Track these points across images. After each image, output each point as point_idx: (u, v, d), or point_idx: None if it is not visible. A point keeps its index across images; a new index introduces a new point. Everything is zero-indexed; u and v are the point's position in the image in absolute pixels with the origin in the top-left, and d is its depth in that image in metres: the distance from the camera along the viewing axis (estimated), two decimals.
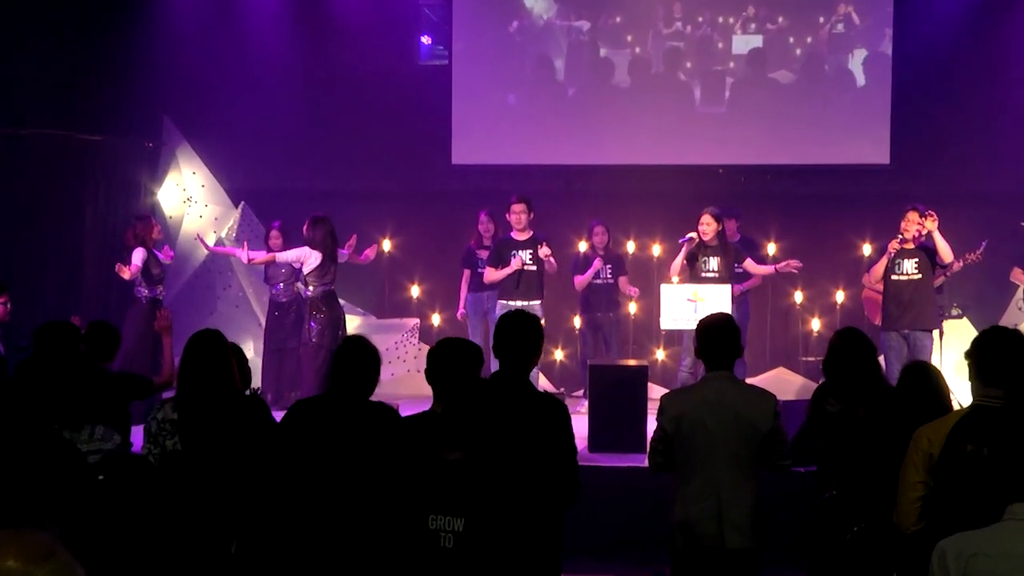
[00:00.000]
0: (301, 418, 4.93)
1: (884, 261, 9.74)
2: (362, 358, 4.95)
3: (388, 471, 4.15)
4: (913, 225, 9.61)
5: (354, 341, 5.06)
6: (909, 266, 9.71)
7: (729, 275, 10.06)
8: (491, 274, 10.41)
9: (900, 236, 9.67)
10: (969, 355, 4.37)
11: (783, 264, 10.39)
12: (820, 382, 6.00)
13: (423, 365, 4.69)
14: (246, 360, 5.92)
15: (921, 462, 4.30)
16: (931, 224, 9.49)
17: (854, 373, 5.50)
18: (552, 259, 10.33)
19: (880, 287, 10.01)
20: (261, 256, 10.90)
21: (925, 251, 9.70)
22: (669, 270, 10.32)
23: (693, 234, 10.04)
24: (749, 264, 10.40)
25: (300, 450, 4.82)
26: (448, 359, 4.54)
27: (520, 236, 10.40)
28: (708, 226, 10.02)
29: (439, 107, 12.82)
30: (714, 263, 10.05)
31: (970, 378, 4.37)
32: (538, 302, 10.41)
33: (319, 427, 4.84)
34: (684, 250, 10.05)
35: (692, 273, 10.11)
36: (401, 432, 4.64)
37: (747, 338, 10.87)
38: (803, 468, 6.91)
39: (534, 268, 10.38)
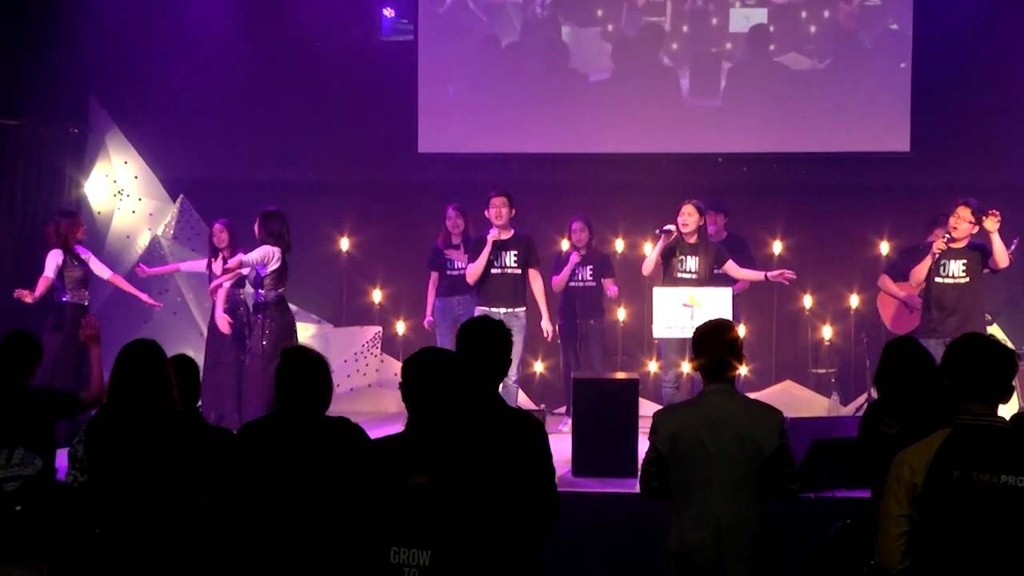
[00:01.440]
0: (253, 444, 4.90)
1: (928, 261, 9.69)
2: (310, 370, 4.93)
3: (350, 498, 4.14)
4: (964, 223, 9.51)
5: (296, 352, 5.04)
6: (956, 268, 9.64)
7: (708, 278, 10.03)
8: (472, 271, 10.37)
9: (948, 235, 9.62)
10: (946, 369, 4.34)
11: (776, 273, 10.23)
12: (870, 400, 5.99)
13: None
14: (197, 373, 5.87)
15: (904, 493, 4.25)
16: (992, 224, 9.29)
17: (913, 389, 5.50)
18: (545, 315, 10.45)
19: (905, 291, 10.00)
20: (227, 276, 10.66)
21: (976, 252, 9.61)
22: (642, 267, 10.29)
23: (671, 226, 10.01)
24: (731, 268, 10.26)
25: (253, 480, 4.80)
26: (426, 372, 4.53)
27: (501, 234, 10.38)
28: (689, 218, 9.99)
29: (403, 88, 12.81)
30: (692, 263, 10.02)
31: (949, 395, 4.35)
32: (523, 309, 10.42)
33: (273, 452, 4.82)
34: (660, 244, 10.03)
35: (667, 272, 10.10)
36: (368, 452, 4.62)
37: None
38: (813, 494, 6.95)
39: (518, 271, 10.39)
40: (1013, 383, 4.33)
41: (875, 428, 5.58)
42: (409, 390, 4.10)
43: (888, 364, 5.65)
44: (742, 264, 10.51)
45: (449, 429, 3.81)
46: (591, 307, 11.37)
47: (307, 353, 5.01)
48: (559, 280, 11.24)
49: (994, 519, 4.11)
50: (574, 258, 11.16)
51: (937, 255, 9.64)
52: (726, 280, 10.39)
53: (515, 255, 10.39)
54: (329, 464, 4.73)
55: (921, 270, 9.76)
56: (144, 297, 11.13)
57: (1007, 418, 4.35)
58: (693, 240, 10.03)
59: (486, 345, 4.81)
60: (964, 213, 9.52)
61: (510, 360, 4.89)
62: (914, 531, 4.24)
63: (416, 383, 4.09)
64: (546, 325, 10.56)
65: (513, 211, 10.42)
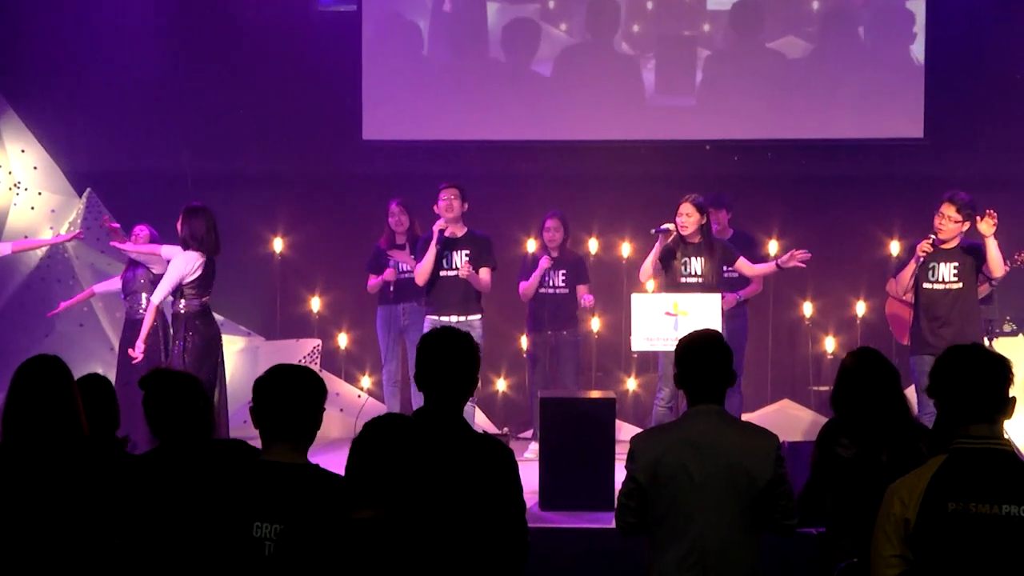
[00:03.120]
0: (142, 480, 4.91)
1: (911, 266, 9.69)
2: (176, 395, 4.97)
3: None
4: (950, 223, 9.51)
5: (159, 378, 5.07)
6: (946, 272, 9.66)
7: (715, 280, 10.04)
8: (420, 270, 10.35)
9: (932, 235, 9.64)
10: (936, 388, 4.35)
11: (786, 256, 10.22)
12: (829, 419, 6.03)
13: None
14: (113, 395, 5.83)
15: (894, 531, 4.26)
16: (987, 228, 9.31)
17: (873, 406, 5.53)
18: (475, 274, 10.35)
19: (909, 298, 10.05)
20: (136, 246, 10.69)
21: (968, 253, 9.62)
22: (639, 273, 10.31)
23: (670, 225, 10.00)
24: (743, 265, 10.32)
25: (148, 520, 4.80)
26: (279, 392, 4.56)
27: (453, 231, 10.37)
28: (688, 218, 9.98)
29: (345, 66, 12.79)
30: (696, 265, 10.04)
31: (941, 417, 4.36)
32: (478, 317, 10.43)
33: (161, 490, 4.82)
34: (658, 246, 10.04)
35: (668, 277, 10.10)
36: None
37: (743, 362, 10.93)
38: (813, 529, 6.97)
39: (469, 266, 10.39)
40: (1012, 394, 4.33)
41: (830, 451, 5.62)
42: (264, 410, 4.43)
43: (845, 378, 5.69)
44: (751, 262, 10.53)
45: (399, 456, 3.80)
46: (564, 317, 11.35)
47: (171, 376, 5.06)
48: (528, 287, 11.22)
49: (996, 555, 4.11)
50: (544, 262, 11.13)
51: (921, 258, 9.61)
52: (739, 282, 10.45)
53: (467, 255, 10.39)
54: (222, 493, 4.72)
55: (905, 275, 9.76)
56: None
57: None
58: (696, 240, 10.03)
59: (449, 360, 4.80)
60: (948, 211, 9.49)
61: (477, 379, 4.89)
62: (910, 573, 4.25)
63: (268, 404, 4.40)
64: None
65: (466, 205, 10.42)
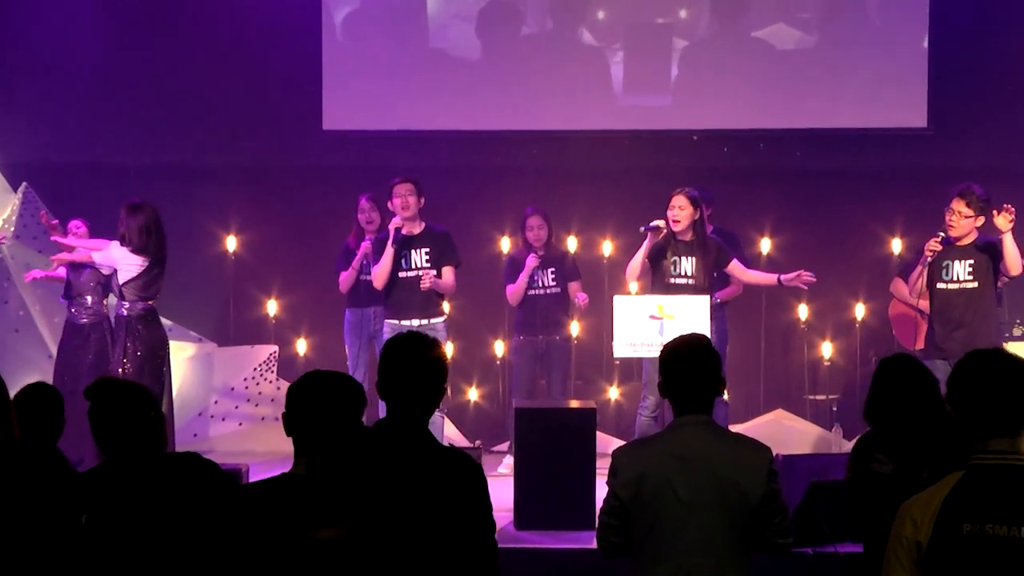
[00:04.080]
0: (89, 499, 4.88)
1: (920, 269, 9.72)
2: (124, 406, 4.95)
3: (222, 557, 4.13)
4: (960, 219, 9.52)
5: (107, 385, 5.05)
6: (960, 270, 9.67)
7: (708, 282, 10.05)
8: (377, 272, 10.35)
9: (941, 233, 9.65)
10: (952, 398, 4.30)
11: (792, 276, 10.17)
12: (863, 433, 6.03)
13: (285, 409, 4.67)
14: (60, 404, 5.84)
15: (906, 554, 4.20)
16: (1004, 223, 9.33)
17: (911, 418, 5.53)
18: (437, 280, 10.36)
19: (924, 305, 10.07)
20: (73, 251, 10.67)
21: (984, 250, 9.62)
22: (625, 272, 10.30)
23: (660, 222, 9.98)
24: (736, 268, 10.30)
25: (94, 543, 4.79)
26: (316, 399, 4.52)
27: (410, 228, 10.37)
28: (682, 211, 9.97)
29: (304, 49, 12.77)
30: (687, 265, 10.04)
31: (959, 430, 4.35)
32: (441, 319, 10.45)
33: (109, 509, 4.80)
34: (647, 244, 10.01)
35: (657, 278, 10.10)
36: (228, 494, 4.61)
37: (726, 368, 10.93)
38: (809, 549, 6.99)
39: (433, 272, 10.40)
40: None
41: (866, 466, 5.62)
42: (293, 420, 4.26)
43: (880, 388, 5.69)
44: (744, 264, 10.56)
45: (362, 471, 3.81)
46: (556, 319, 11.38)
47: (119, 386, 5.04)
48: (516, 289, 11.20)
49: None
50: (531, 260, 11.12)
51: (930, 258, 9.63)
52: (715, 282, 10.43)
53: (427, 253, 10.39)
54: (178, 515, 4.72)
55: (915, 277, 9.80)
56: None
57: None
58: (688, 238, 10.03)
59: (415, 367, 4.79)
60: (959, 206, 9.51)
61: (444, 388, 4.88)
62: None
63: (300, 411, 4.24)
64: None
65: (423, 200, 10.42)
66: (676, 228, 9.96)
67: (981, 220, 9.52)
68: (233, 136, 12.91)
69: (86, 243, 10.82)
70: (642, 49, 12.86)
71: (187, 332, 12.68)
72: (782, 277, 10.27)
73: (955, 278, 9.69)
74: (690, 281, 9.99)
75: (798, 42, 12.74)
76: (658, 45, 12.86)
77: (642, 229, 10.04)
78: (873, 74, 12.55)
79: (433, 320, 10.34)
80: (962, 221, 9.52)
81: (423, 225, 10.46)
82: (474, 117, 12.79)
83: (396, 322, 10.24)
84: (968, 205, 9.47)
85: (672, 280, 10.01)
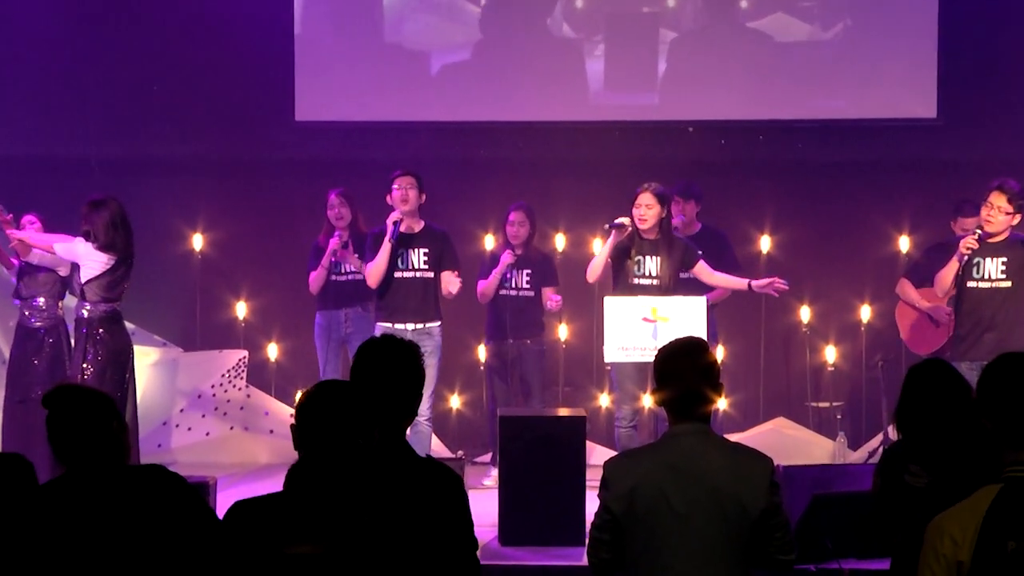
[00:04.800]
0: (43, 518, 4.86)
1: (954, 264, 9.70)
2: (83, 414, 4.92)
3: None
4: (1000, 214, 9.51)
5: (66, 393, 5.03)
6: (993, 268, 9.65)
7: (672, 283, 10.03)
8: (372, 270, 10.30)
9: (978, 230, 9.62)
10: (983, 404, 4.28)
11: (764, 283, 10.21)
12: (890, 442, 6.01)
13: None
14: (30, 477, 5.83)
15: (945, 573, 4.19)
16: None
17: (945, 428, 5.51)
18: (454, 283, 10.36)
19: (931, 300, 10.06)
20: (39, 236, 10.65)
21: (1018, 248, 9.64)
22: (586, 272, 10.28)
23: (625, 219, 10.00)
24: (702, 271, 10.25)
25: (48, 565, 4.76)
26: (332, 411, 4.49)
27: (410, 224, 10.35)
28: (649, 210, 9.95)
29: (276, 36, 12.75)
30: (651, 265, 10.01)
31: (992, 439, 4.33)
32: (437, 324, 10.43)
33: (66, 526, 4.78)
34: (611, 242, 10.02)
35: (618, 278, 10.11)
36: (196, 508, 4.59)
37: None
38: (812, 565, 6.98)
39: (430, 274, 10.37)
40: None
41: (898, 478, 5.60)
42: (305, 435, 4.22)
43: (912, 395, 5.67)
44: (721, 267, 10.50)
45: (339, 485, 3.79)
46: (528, 323, 11.36)
47: (79, 393, 5.01)
48: (487, 286, 11.19)
49: None
50: (506, 257, 11.11)
51: (966, 257, 9.62)
52: (697, 287, 10.40)
53: (426, 254, 10.36)
54: (143, 530, 4.69)
55: (947, 275, 9.78)
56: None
57: None
58: (653, 236, 10.03)
59: (390, 374, 4.78)
60: (999, 200, 9.50)
61: (420, 395, 4.87)
62: None
63: (314, 426, 4.21)
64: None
65: (424, 196, 10.40)
66: (643, 227, 9.97)
67: (1018, 218, 9.53)
68: (200, 127, 12.89)
69: (45, 236, 10.76)
70: (632, 37, 12.86)
71: (151, 336, 12.63)
72: (753, 283, 10.28)
73: (987, 276, 9.68)
74: (654, 282, 9.99)
75: (799, 28, 12.73)
76: (650, 33, 12.84)
77: (606, 227, 10.07)
78: (879, 62, 12.53)
79: (429, 324, 10.33)
80: (1000, 217, 9.52)
81: (422, 223, 10.45)
82: (455, 107, 12.77)
83: (389, 325, 10.21)
84: (1009, 200, 9.47)
85: (635, 280, 10.00)
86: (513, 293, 11.30)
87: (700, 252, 10.29)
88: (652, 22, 12.88)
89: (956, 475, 5.39)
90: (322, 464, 4.04)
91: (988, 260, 9.67)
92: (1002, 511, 4.16)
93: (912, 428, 5.65)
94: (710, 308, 10.87)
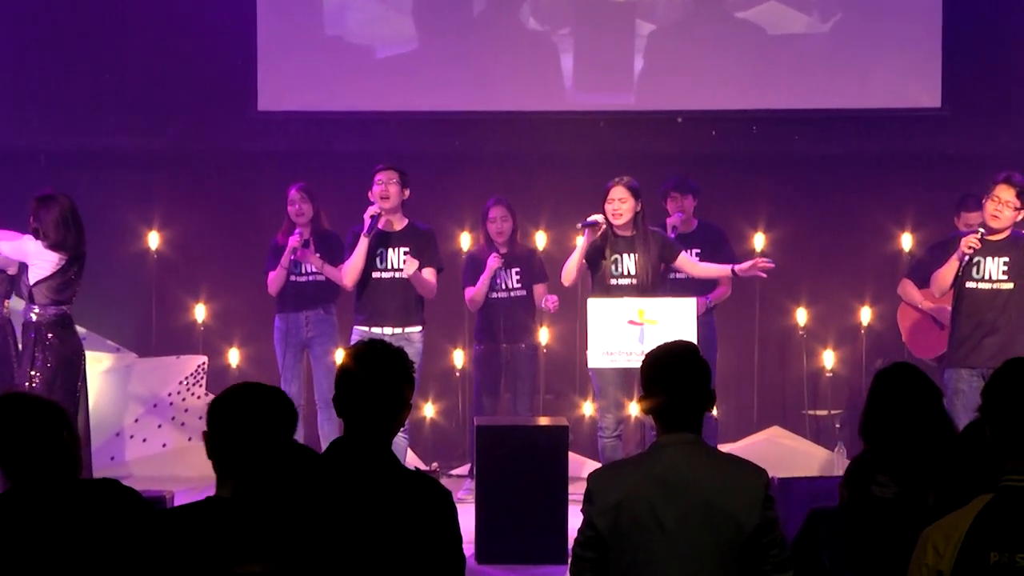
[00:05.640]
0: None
1: (954, 263, 9.68)
2: (34, 423, 4.91)
3: None
4: (1007, 209, 9.48)
5: (12, 401, 5.02)
6: (994, 268, 9.63)
7: (652, 281, 10.06)
8: (349, 268, 10.32)
9: (980, 228, 9.62)
10: (987, 411, 4.31)
11: (747, 265, 10.27)
12: (859, 452, 6.04)
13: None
14: None
15: None
16: None
17: (913, 436, 5.53)
18: (419, 273, 10.33)
19: (933, 302, 10.08)
20: None
21: (1020, 247, 9.63)
22: (561, 274, 10.31)
23: (598, 216, 10.03)
24: (685, 262, 10.33)
25: None
26: (243, 415, 4.50)
27: (391, 223, 10.34)
28: (622, 204, 9.99)
29: (236, 21, 12.74)
30: (628, 263, 10.04)
31: (996, 446, 4.35)
32: (419, 329, 10.46)
33: (14, 543, 4.77)
34: (585, 241, 10.05)
35: (596, 279, 10.14)
36: (148, 524, 4.59)
37: (715, 380, 10.91)
38: None
39: (416, 261, 10.35)
40: None
41: (865, 490, 5.63)
42: (216, 439, 4.31)
43: (878, 401, 5.69)
44: (721, 262, 10.56)
45: (295, 497, 3.79)
46: (521, 325, 11.38)
47: (27, 402, 5.00)
48: (477, 292, 11.18)
49: None
50: (493, 261, 11.06)
51: (968, 256, 9.58)
52: (692, 287, 10.42)
53: (406, 253, 10.36)
54: (94, 549, 4.69)
55: (946, 274, 9.72)
56: None
57: None
58: (628, 233, 10.05)
59: (377, 381, 4.78)
60: (1006, 194, 9.47)
61: (410, 405, 4.86)
62: None
63: (223, 429, 4.29)
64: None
65: (407, 192, 10.40)
66: (617, 222, 10.01)
67: (1022, 214, 9.52)
68: (156, 117, 12.87)
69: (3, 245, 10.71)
70: (617, 21, 12.85)
71: (103, 341, 12.59)
72: (736, 268, 10.33)
73: (987, 277, 9.65)
74: (633, 281, 10.02)
75: (795, 12, 12.73)
76: (633, 18, 12.84)
77: (579, 225, 10.10)
78: (880, 47, 12.55)
79: (409, 329, 10.35)
80: (1007, 212, 9.49)
81: (405, 221, 10.45)
82: (429, 96, 12.75)
83: (367, 329, 10.23)
84: (1018, 195, 9.44)
85: (613, 281, 10.04)
86: (504, 295, 11.31)
87: (679, 245, 10.33)
88: (647, 7, 12.89)
89: (925, 486, 5.43)
90: (244, 474, 4.02)
91: (989, 260, 9.64)
92: (989, 521, 4.20)
93: (879, 437, 5.67)
94: (709, 311, 10.94)
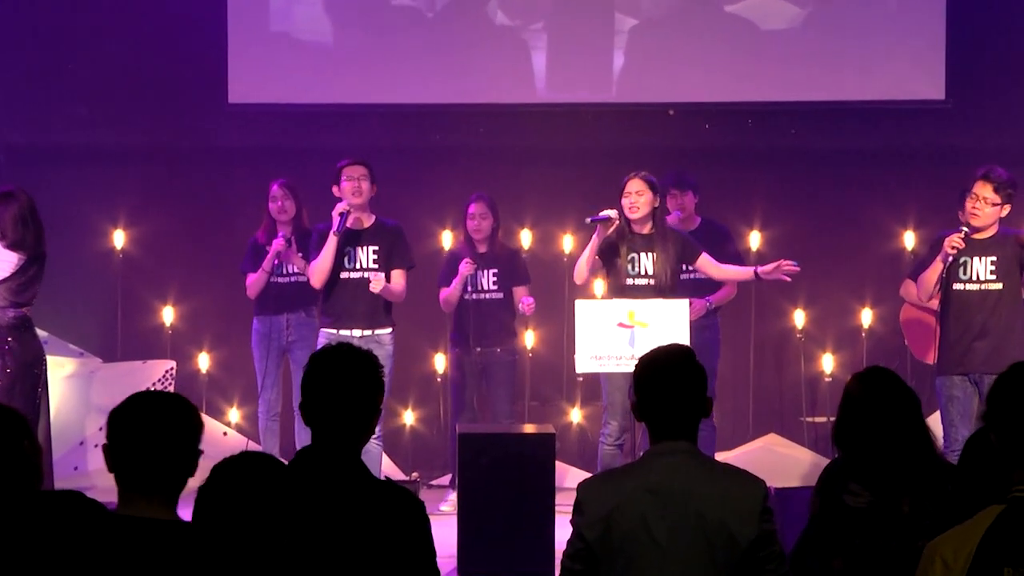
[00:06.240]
0: None
1: (938, 265, 9.69)
2: None
3: None
4: (987, 206, 9.51)
5: None
6: (982, 268, 9.66)
7: (672, 282, 10.05)
8: (316, 268, 10.24)
9: (963, 227, 9.64)
10: (994, 417, 4.29)
11: (771, 267, 10.23)
12: (831, 459, 6.05)
13: None
14: None
15: None
16: None
17: (889, 443, 5.54)
18: (387, 285, 10.29)
19: (934, 304, 10.10)
20: None
21: (1009, 245, 9.65)
22: (573, 273, 10.29)
23: (611, 212, 10.00)
24: (706, 264, 10.30)
25: None
26: (145, 425, 4.51)
27: (360, 219, 10.32)
28: (640, 197, 9.98)
29: (207, 10, 12.72)
30: (646, 262, 10.03)
31: (1002, 455, 4.34)
32: (388, 331, 10.41)
33: None
34: (596, 237, 10.00)
35: (612, 279, 10.14)
36: (120, 540, 4.58)
37: (715, 386, 10.94)
38: None
39: (381, 275, 10.32)
40: None
41: (836, 500, 5.63)
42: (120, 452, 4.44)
43: (850, 408, 5.69)
44: (723, 261, 10.55)
45: (257, 509, 3.77)
46: (497, 329, 11.34)
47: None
48: (449, 294, 11.14)
49: None
50: (464, 268, 10.98)
51: (951, 257, 9.59)
52: (697, 287, 10.42)
53: (375, 252, 10.34)
54: (55, 565, 4.67)
55: (930, 277, 9.76)
56: None
57: None
58: (646, 230, 10.04)
59: (345, 386, 4.77)
60: (984, 191, 9.50)
61: (379, 411, 4.85)
62: None
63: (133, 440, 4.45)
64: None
65: (375, 188, 10.38)
66: (633, 216, 9.98)
67: (1007, 209, 9.55)
68: (121, 110, 12.86)
69: None
70: (601, 10, 12.85)
71: (66, 345, 12.58)
72: (759, 269, 10.31)
73: (975, 277, 9.68)
74: (651, 281, 9.99)
75: (793, 2, 12.73)
76: (624, 6, 12.85)
77: (588, 220, 10.04)
78: (882, 38, 12.57)
79: (379, 332, 10.31)
80: (987, 209, 9.53)
81: (373, 218, 10.43)
82: (408, 88, 12.74)
83: (334, 331, 10.19)
84: (996, 190, 9.46)
85: (629, 281, 10.01)
86: (480, 296, 11.26)
87: (701, 246, 10.33)
88: None
89: (899, 494, 5.44)
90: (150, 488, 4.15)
91: (976, 259, 9.67)
92: (1002, 534, 4.18)
93: (851, 443, 5.67)
94: (712, 312, 10.93)
